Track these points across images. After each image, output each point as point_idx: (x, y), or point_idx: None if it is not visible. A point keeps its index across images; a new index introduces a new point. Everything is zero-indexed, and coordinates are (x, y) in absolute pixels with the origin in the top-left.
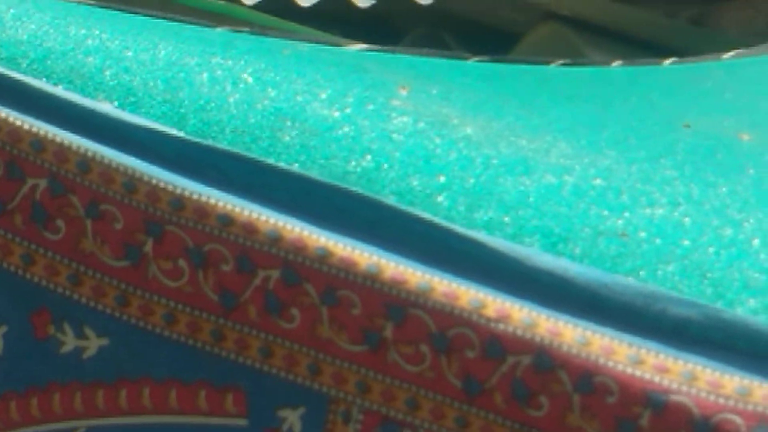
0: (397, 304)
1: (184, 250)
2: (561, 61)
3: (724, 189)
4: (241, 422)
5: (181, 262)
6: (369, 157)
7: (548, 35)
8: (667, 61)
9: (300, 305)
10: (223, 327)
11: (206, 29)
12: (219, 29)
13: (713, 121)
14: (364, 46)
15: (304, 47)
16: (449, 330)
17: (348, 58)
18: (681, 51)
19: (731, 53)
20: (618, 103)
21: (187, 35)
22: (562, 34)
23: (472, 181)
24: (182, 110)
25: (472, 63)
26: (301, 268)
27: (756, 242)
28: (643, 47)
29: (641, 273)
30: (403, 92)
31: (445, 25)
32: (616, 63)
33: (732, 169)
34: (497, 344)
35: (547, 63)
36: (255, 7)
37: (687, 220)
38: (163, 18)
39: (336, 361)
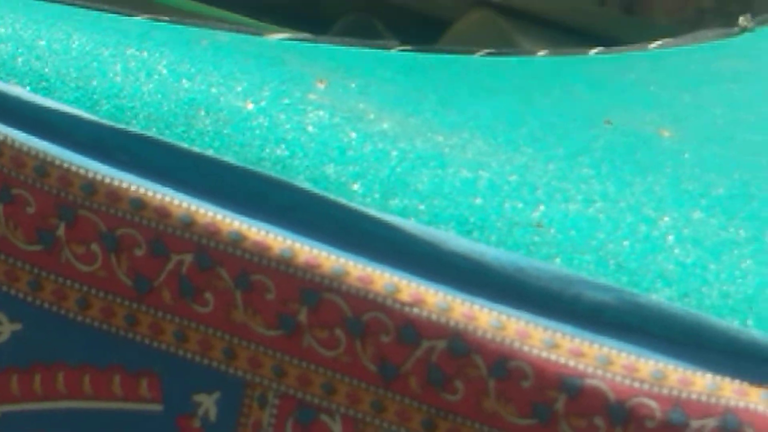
0: (312, 289)
1: (97, 235)
2: (486, 51)
3: (640, 188)
4: (156, 407)
5: (94, 247)
6: (283, 146)
7: (479, 22)
8: (593, 51)
9: (214, 289)
10: (136, 311)
11: (124, 18)
12: (138, 18)
13: (635, 116)
14: (286, 35)
15: (224, 38)
16: (364, 314)
17: (267, 50)
18: (611, 38)
19: (658, 42)
20: (540, 96)
21: (103, 26)
22: (492, 21)
23: (386, 171)
24: (95, 96)
25: (396, 53)
26: (215, 253)
27: (670, 238)
28: (573, 34)
29: (557, 261)
30: (321, 86)
31: (375, 11)
32: (542, 52)
33: (650, 168)
34: (412, 329)
35: (472, 52)
36: None
37: (602, 216)
38: (81, 6)
39: (251, 345)
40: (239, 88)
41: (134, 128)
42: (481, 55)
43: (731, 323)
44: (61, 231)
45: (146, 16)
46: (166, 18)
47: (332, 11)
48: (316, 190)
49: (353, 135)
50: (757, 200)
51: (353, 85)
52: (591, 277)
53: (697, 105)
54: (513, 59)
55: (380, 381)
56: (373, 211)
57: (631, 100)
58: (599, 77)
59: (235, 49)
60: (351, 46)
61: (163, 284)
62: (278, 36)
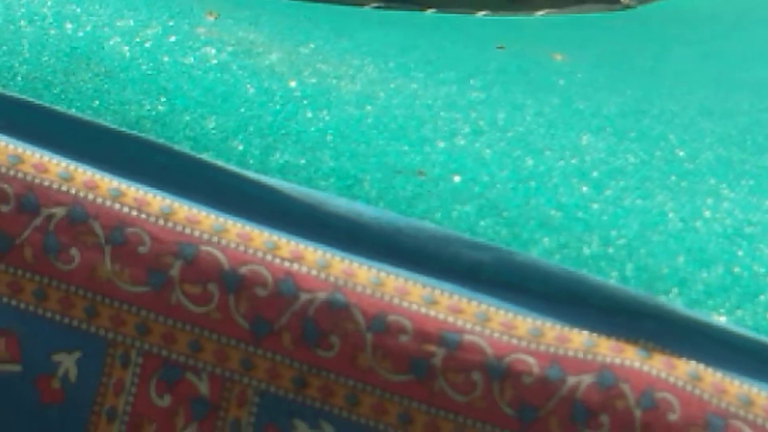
0: (189, 242)
1: None
2: (375, 4)
3: (530, 111)
4: (15, 368)
5: None
6: (164, 99)
7: None
8: (481, 13)
9: (82, 245)
10: None
11: None
12: None
13: (528, 43)
14: None
15: None
16: (241, 267)
17: None
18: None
19: (542, 11)
20: (430, 29)
21: None
22: None
23: (269, 119)
24: None
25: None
26: (91, 206)
27: (555, 174)
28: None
29: (437, 214)
30: (210, 18)
31: None
32: (431, 10)
33: (541, 88)
34: (291, 282)
35: (361, 5)
36: None
37: (488, 151)
38: None
39: (115, 302)
40: (124, 28)
41: (11, 91)
42: (372, 7)
43: (608, 279)
44: None
45: None
46: None
47: None
48: (192, 153)
49: (239, 73)
50: (647, 116)
51: (243, 16)
52: (468, 237)
53: (588, 38)
54: (402, 13)
55: (251, 338)
56: (250, 173)
57: (521, 33)
58: (488, 33)
59: None
60: None
61: (25, 242)
62: None
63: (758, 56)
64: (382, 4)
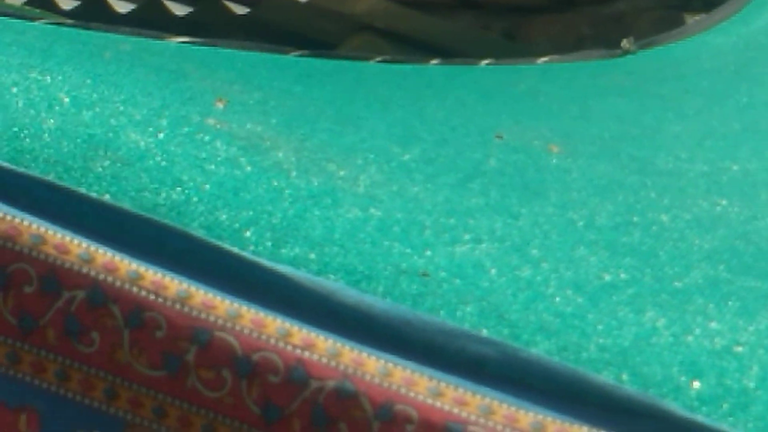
0: (205, 327)
1: None
2: (380, 58)
3: (527, 221)
4: None
5: None
6: (179, 189)
7: (362, 46)
8: (484, 62)
9: (102, 328)
10: (20, 350)
11: (28, 25)
12: (41, 24)
13: (526, 129)
14: (186, 39)
15: (126, 46)
16: (255, 353)
17: (169, 60)
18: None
19: (545, 58)
20: (433, 108)
21: (7, 40)
22: (375, 45)
23: (279, 215)
24: None
25: (293, 57)
26: (110, 289)
27: (552, 284)
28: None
29: (441, 313)
30: (220, 106)
31: (260, 34)
32: (435, 61)
33: (538, 193)
34: (301, 369)
35: (368, 59)
36: (72, 11)
37: (487, 260)
38: None
39: (133, 385)
40: (138, 117)
41: (34, 172)
42: (376, 62)
43: (607, 378)
44: None
45: (49, 21)
46: (71, 22)
47: (218, 34)
48: (209, 239)
49: (248, 169)
50: (638, 229)
51: (251, 102)
52: (474, 331)
53: (584, 117)
54: (407, 67)
55: (262, 423)
56: (264, 261)
57: (521, 112)
58: (490, 87)
59: (137, 62)
60: (249, 50)
61: (48, 323)
62: (178, 40)
63: (759, 105)
64: (387, 58)
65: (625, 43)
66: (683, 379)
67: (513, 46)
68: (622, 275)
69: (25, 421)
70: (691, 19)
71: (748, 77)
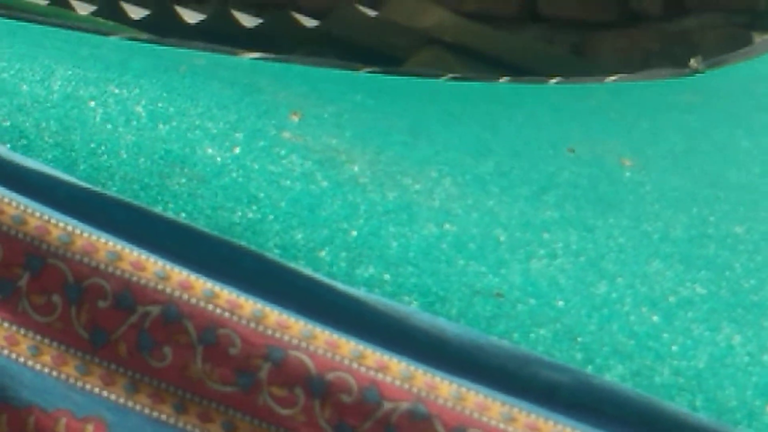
0: (279, 346)
1: (62, 286)
2: (450, 75)
3: (601, 234)
4: None
5: (56, 298)
6: (255, 207)
7: (430, 60)
8: (553, 80)
9: (175, 344)
10: (89, 363)
11: (104, 40)
12: (117, 39)
13: (597, 143)
14: (259, 54)
15: (201, 61)
16: (329, 373)
17: (243, 74)
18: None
19: (614, 77)
20: (504, 123)
21: (83, 54)
22: (443, 60)
23: (354, 234)
24: (73, 155)
25: (365, 74)
26: (186, 306)
27: (627, 301)
28: (523, 74)
29: (514, 335)
30: (295, 119)
31: (328, 47)
32: (504, 79)
33: (611, 206)
34: (375, 390)
35: (438, 76)
36: (140, 21)
37: (561, 277)
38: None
39: (203, 401)
40: (215, 131)
41: (111, 191)
42: (446, 80)
43: (680, 405)
44: (23, 281)
45: (125, 35)
46: (145, 37)
47: (286, 46)
48: (284, 261)
49: (324, 184)
50: (713, 242)
51: (326, 115)
52: (547, 357)
53: (654, 133)
54: (476, 84)
55: None
56: (339, 284)
57: (592, 127)
58: (560, 104)
59: (212, 76)
60: (321, 66)
61: (120, 338)
62: (252, 55)
63: None
64: (458, 75)
65: (693, 63)
66: (757, 403)
67: (580, 63)
68: (698, 289)
69: (92, 430)
70: (759, 38)
71: None
